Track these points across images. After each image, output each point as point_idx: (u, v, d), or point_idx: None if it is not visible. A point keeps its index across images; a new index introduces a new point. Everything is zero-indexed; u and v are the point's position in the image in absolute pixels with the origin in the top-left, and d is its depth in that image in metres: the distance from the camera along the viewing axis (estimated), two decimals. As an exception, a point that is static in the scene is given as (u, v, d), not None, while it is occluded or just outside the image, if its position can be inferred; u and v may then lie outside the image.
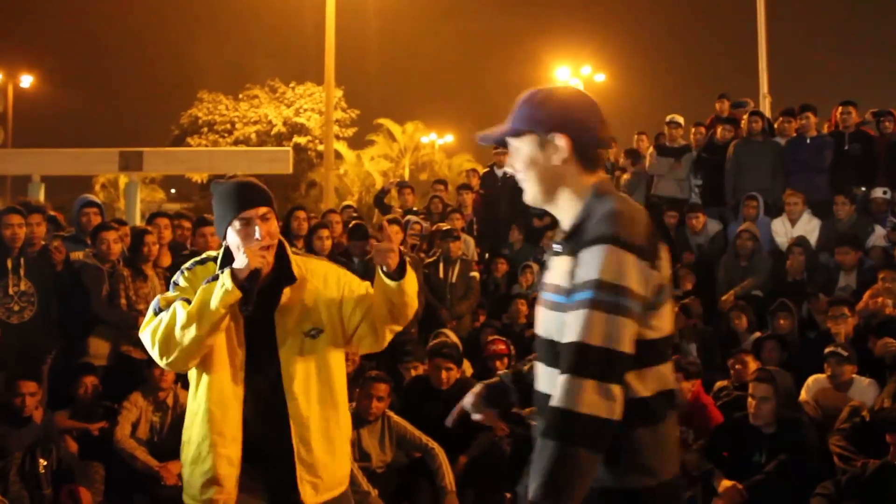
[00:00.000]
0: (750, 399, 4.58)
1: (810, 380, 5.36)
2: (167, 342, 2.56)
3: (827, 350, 5.28)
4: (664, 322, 1.86)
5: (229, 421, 2.66)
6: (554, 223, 2.12)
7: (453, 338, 6.34)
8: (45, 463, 4.80)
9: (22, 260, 5.45)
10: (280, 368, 2.69)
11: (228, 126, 31.19)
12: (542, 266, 2.17)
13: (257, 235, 2.62)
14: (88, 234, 6.44)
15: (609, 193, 1.90)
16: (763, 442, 4.53)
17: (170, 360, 2.59)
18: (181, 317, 2.54)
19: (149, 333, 2.62)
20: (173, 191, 39.49)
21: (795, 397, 4.97)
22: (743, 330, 6.51)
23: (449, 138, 38.28)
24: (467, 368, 6.01)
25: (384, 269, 2.67)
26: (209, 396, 2.67)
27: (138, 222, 17.02)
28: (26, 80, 31.83)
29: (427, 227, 8.63)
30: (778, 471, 4.34)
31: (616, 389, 1.71)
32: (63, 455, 4.92)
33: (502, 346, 6.12)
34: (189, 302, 2.57)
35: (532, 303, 7.53)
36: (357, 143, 33.73)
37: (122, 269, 5.89)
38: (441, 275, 7.46)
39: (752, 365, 5.46)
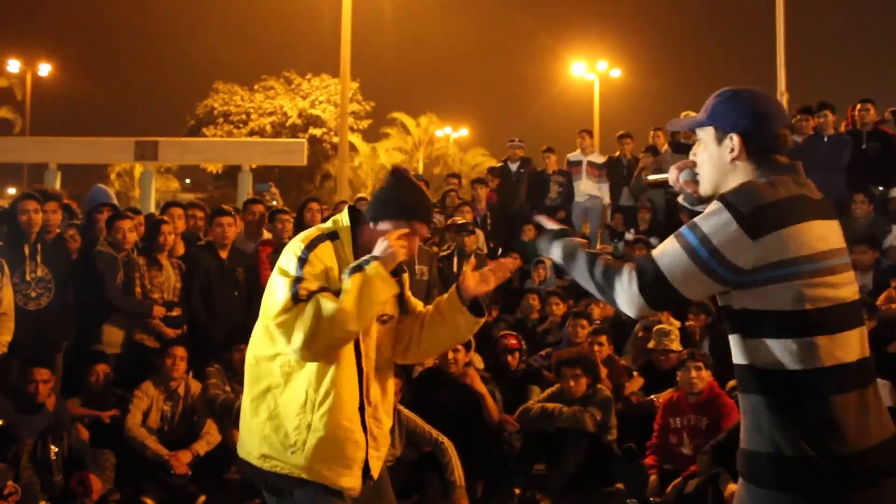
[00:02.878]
0: None
1: (825, 380, 5.31)
2: (314, 335, 2.45)
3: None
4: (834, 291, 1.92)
5: (353, 406, 2.67)
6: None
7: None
8: (57, 450, 4.83)
9: (39, 246, 5.46)
10: (360, 350, 2.69)
11: (244, 117, 31.30)
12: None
13: (413, 247, 2.67)
14: (105, 225, 6.45)
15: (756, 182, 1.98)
16: None
17: (313, 351, 2.50)
18: (333, 311, 2.45)
19: (292, 324, 2.47)
20: (188, 181, 39.65)
21: None
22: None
23: (464, 132, 38.26)
24: (479, 362, 6.01)
25: (467, 300, 2.74)
26: (338, 380, 2.60)
27: (153, 211, 17.10)
28: (44, 69, 32.01)
29: (441, 221, 8.62)
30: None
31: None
32: (74, 442, 4.95)
33: (514, 341, 6.11)
34: (331, 292, 2.50)
35: (544, 298, 7.51)
36: (372, 135, 33.79)
37: (136, 258, 5.92)
38: (455, 269, 7.45)
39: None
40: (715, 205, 1.92)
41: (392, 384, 2.96)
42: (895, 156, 8.20)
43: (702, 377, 5.00)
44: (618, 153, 10.30)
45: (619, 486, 5.21)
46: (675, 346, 5.78)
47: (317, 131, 30.81)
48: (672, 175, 2.23)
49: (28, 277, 5.40)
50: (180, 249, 6.37)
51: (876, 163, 8.18)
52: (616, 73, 31.17)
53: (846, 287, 1.96)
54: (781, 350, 1.89)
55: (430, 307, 2.90)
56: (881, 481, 1.87)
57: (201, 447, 5.19)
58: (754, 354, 1.93)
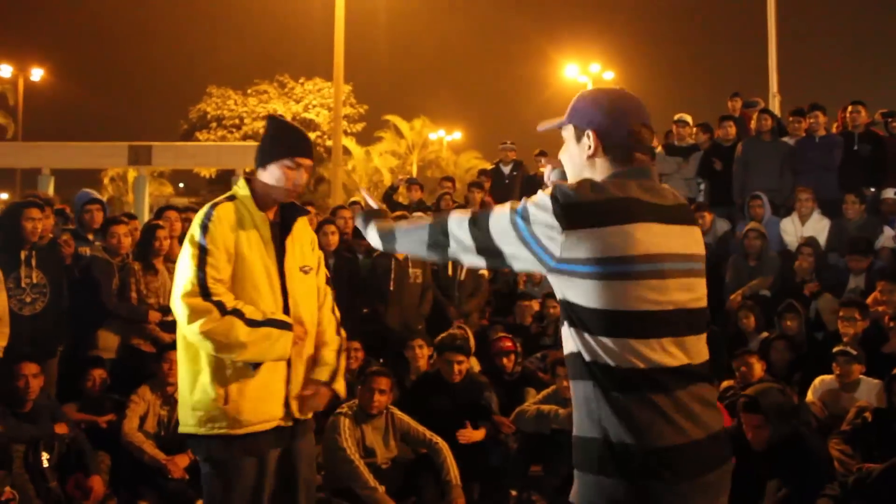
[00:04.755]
0: (745, 427, 4.35)
1: (817, 381, 5.35)
2: (208, 337, 2.82)
3: (836, 349, 5.27)
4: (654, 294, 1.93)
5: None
6: None
7: (466, 331, 6.32)
8: (49, 457, 4.81)
9: (33, 252, 5.47)
10: (287, 292, 3.01)
11: (237, 121, 31.29)
12: None
13: (299, 181, 2.99)
14: (91, 231, 6.48)
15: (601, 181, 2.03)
16: (768, 457, 4.34)
17: (197, 340, 2.86)
18: (234, 341, 2.82)
19: (196, 314, 2.81)
20: (181, 185, 39.58)
21: (796, 407, 4.75)
22: (751, 330, 6.50)
23: (457, 135, 38.27)
24: (475, 365, 6.03)
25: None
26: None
27: (147, 216, 17.08)
28: (37, 74, 31.94)
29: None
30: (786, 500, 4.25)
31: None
32: (75, 442, 4.94)
33: (509, 343, 6.13)
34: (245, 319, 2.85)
35: (542, 301, 7.54)
36: (365, 138, 33.78)
37: (132, 263, 5.92)
38: (450, 272, 7.47)
39: (758, 366, 5.44)
40: (547, 188, 1.98)
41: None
42: (886, 157, 8.24)
43: None
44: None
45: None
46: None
47: (310, 135, 30.75)
48: (546, 174, 2.30)
49: (23, 283, 5.39)
50: (177, 253, 6.36)
51: (867, 164, 8.23)
52: (609, 75, 31.19)
53: (678, 293, 1.96)
54: (599, 346, 1.91)
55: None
56: (698, 477, 1.91)
57: (198, 451, 5.18)
58: (580, 345, 1.95)
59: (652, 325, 1.91)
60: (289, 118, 30.65)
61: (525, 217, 1.96)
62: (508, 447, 5.36)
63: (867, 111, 8.68)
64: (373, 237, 2.37)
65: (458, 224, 2.08)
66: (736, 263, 7.54)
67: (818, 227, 7.73)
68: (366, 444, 4.89)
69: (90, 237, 6.42)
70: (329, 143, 26.93)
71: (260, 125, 30.82)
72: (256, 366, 2.89)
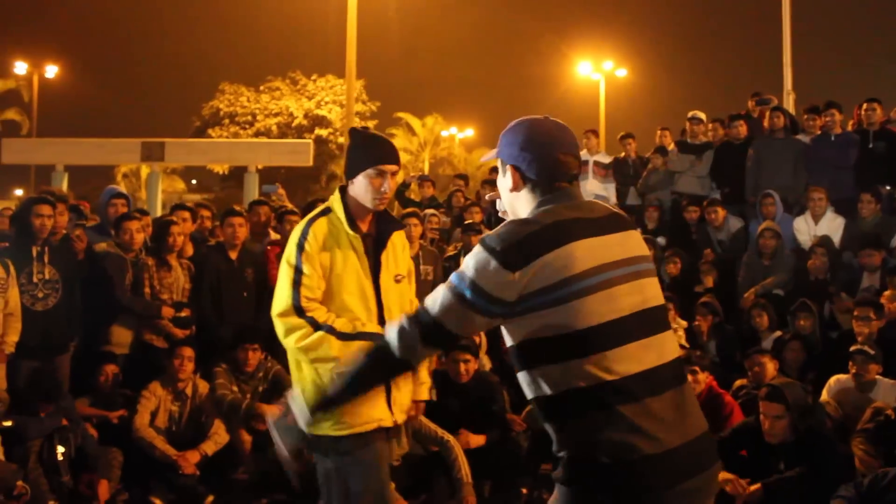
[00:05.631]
0: (762, 417, 4.37)
1: (832, 380, 5.31)
2: (302, 351, 2.99)
3: (853, 348, 5.22)
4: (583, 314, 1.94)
5: None
6: None
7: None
8: (63, 450, 4.84)
9: (46, 248, 5.49)
10: (382, 304, 3.11)
11: (249, 118, 31.33)
12: None
13: (385, 188, 3.03)
14: (113, 225, 6.49)
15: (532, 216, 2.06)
16: (781, 453, 4.37)
17: (293, 349, 3.02)
18: (325, 356, 2.96)
19: (293, 332, 2.99)
20: (194, 181, 39.73)
21: (812, 406, 4.76)
22: (764, 329, 6.46)
23: (469, 132, 38.26)
24: (487, 363, 6.01)
25: None
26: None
27: (160, 212, 17.16)
28: (51, 71, 32.15)
29: (446, 222, 8.62)
30: (797, 479, 4.26)
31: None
32: (85, 442, 4.96)
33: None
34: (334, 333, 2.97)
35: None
36: (377, 135, 33.73)
37: (145, 259, 5.93)
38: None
39: (770, 365, 5.40)
40: (476, 247, 2.00)
41: None
42: (903, 156, 8.16)
43: (698, 380, 5.03)
44: (622, 154, 10.30)
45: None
46: (682, 341, 5.77)
47: (323, 132, 30.80)
48: (497, 203, 2.28)
49: (35, 279, 5.41)
50: (189, 251, 6.38)
51: (882, 162, 8.14)
52: (622, 72, 31.18)
53: (629, 297, 1.99)
54: (567, 373, 1.93)
55: None
56: (675, 485, 1.91)
57: (209, 447, 5.20)
58: (544, 383, 1.97)
59: (614, 335, 1.94)
60: (301, 115, 30.81)
61: (469, 281, 1.96)
62: (519, 445, 5.34)
63: (883, 109, 8.60)
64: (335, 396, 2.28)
65: (410, 333, 2.05)
66: (749, 262, 7.49)
67: (832, 226, 7.67)
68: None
69: (112, 231, 6.43)
70: (341, 139, 26.96)
71: (272, 122, 30.93)
72: None
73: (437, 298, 2.03)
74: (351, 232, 3.06)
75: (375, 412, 3.07)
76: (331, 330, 2.97)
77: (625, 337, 1.95)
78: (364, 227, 3.13)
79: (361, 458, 3.07)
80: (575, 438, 1.95)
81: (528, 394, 2.04)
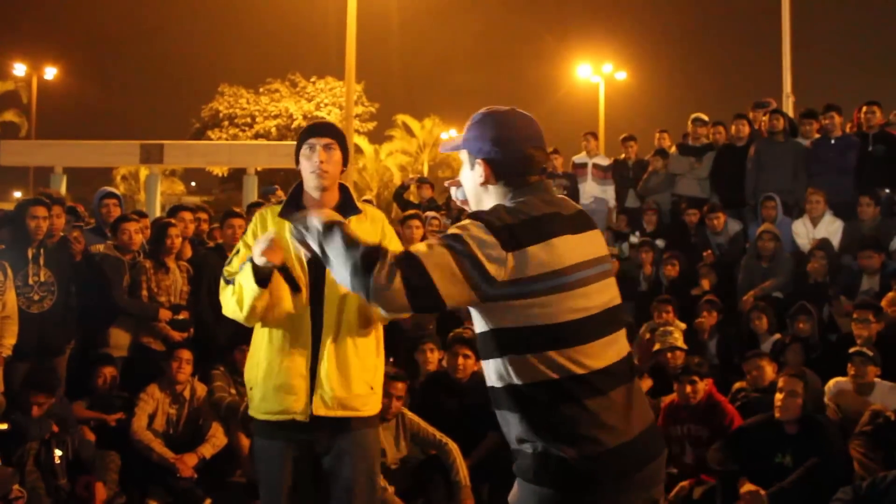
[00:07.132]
0: (778, 394, 4.57)
1: (831, 383, 5.30)
2: (234, 310, 2.92)
3: (852, 350, 5.23)
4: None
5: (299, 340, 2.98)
6: None
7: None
8: (61, 454, 4.82)
9: (42, 250, 5.47)
10: (324, 298, 2.97)
11: (249, 120, 31.29)
12: None
13: (316, 159, 2.97)
14: (108, 226, 6.47)
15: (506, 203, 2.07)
16: (787, 443, 4.50)
17: (244, 319, 2.93)
18: (233, 297, 2.90)
19: (224, 303, 2.97)
20: (193, 184, 39.75)
21: (820, 400, 4.96)
22: (763, 331, 6.45)
23: (468, 134, 38.14)
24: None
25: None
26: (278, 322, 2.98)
27: (158, 214, 17.14)
28: (50, 73, 32.11)
29: (447, 224, 8.61)
30: (803, 479, 4.30)
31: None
32: (81, 446, 4.95)
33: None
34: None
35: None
36: (376, 137, 33.80)
37: (143, 261, 5.91)
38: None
39: (769, 368, 5.40)
40: (468, 220, 1.99)
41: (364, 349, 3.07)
42: (902, 159, 8.15)
43: (698, 389, 5.05)
44: (623, 156, 10.30)
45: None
46: (679, 342, 5.75)
47: (322, 134, 30.74)
48: (453, 194, 2.28)
49: (31, 281, 5.40)
50: (188, 253, 6.37)
51: (882, 165, 8.14)
52: (621, 75, 31.16)
53: (598, 295, 2.06)
54: (541, 363, 1.96)
55: None
56: (631, 476, 1.99)
57: (207, 450, 5.19)
58: (513, 372, 1.98)
59: (586, 331, 2.00)
60: (300, 117, 30.73)
61: (467, 246, 1.90)
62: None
63: (882, 111, 8.60)
64: (315, 222, 2.08)
65: (388, 273, 1.88)
66: (748, 265, 7.48)
67: (830, 228, 7.67)
68: (376, 445, 4.87)
69: (108, 232, 6.42)
70: (340, 142, 26.89)
71: (272, 124, 30.90)
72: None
73: (430, 251, 1.91)
74: (277, 217, 3.02)
75: (288, 401, 2.90)
76: (229, 274, 2.96)
77: (595, 333, 2.01)
78: None
79: (262, 451, 3.03)
80: (541, 430, 1.97)
81: (494, 382, 2.05)
